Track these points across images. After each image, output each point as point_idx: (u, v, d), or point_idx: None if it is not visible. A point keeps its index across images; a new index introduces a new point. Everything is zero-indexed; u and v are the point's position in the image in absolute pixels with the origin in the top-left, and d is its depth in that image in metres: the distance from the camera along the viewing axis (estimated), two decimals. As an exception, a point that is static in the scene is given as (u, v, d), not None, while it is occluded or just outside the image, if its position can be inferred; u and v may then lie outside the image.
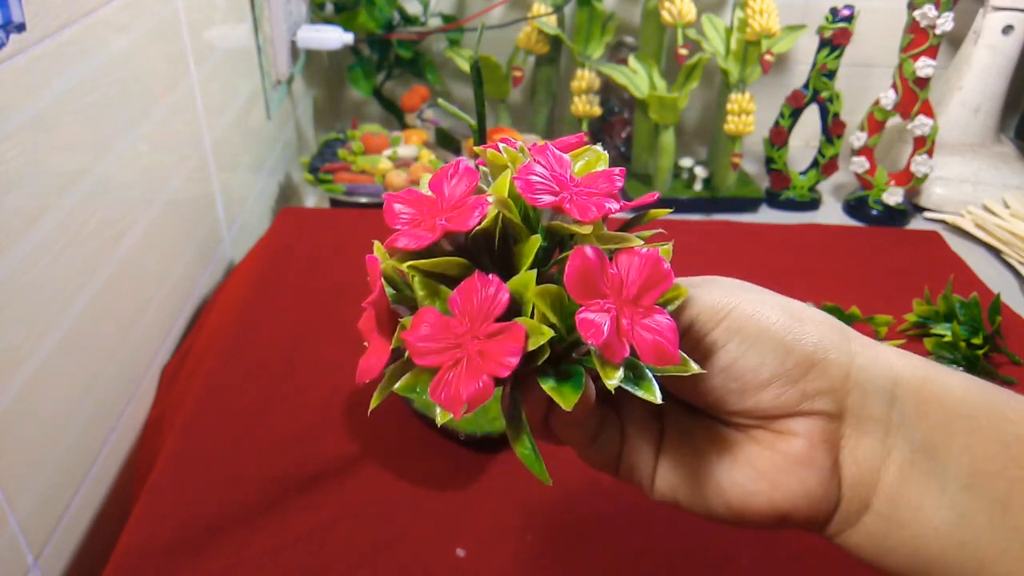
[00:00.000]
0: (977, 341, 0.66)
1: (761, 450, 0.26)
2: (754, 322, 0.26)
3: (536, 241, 0.25)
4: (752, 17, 1.05)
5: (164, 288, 0.71)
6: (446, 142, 1.17)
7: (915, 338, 0.70)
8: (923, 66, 1.03)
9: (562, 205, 0.24)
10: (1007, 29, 1.12)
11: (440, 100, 0.49)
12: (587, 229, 0.25)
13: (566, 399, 0.24)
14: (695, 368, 0.25)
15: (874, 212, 1.12)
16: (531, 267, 0.25)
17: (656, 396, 0.24)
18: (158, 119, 0.68)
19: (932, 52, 1.02)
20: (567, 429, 0.27)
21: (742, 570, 0.50)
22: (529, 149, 0.27)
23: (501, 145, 0.28)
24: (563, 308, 0.25)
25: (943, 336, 0.67)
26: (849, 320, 0.66)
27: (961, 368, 0.65)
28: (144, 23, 0.65)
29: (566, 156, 0.27)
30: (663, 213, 0.29)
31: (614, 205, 0.25)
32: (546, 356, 0.24)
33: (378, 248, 0.27)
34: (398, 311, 0.26)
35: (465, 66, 1.17)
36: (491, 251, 0.26)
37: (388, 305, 0.26)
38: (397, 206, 0.26)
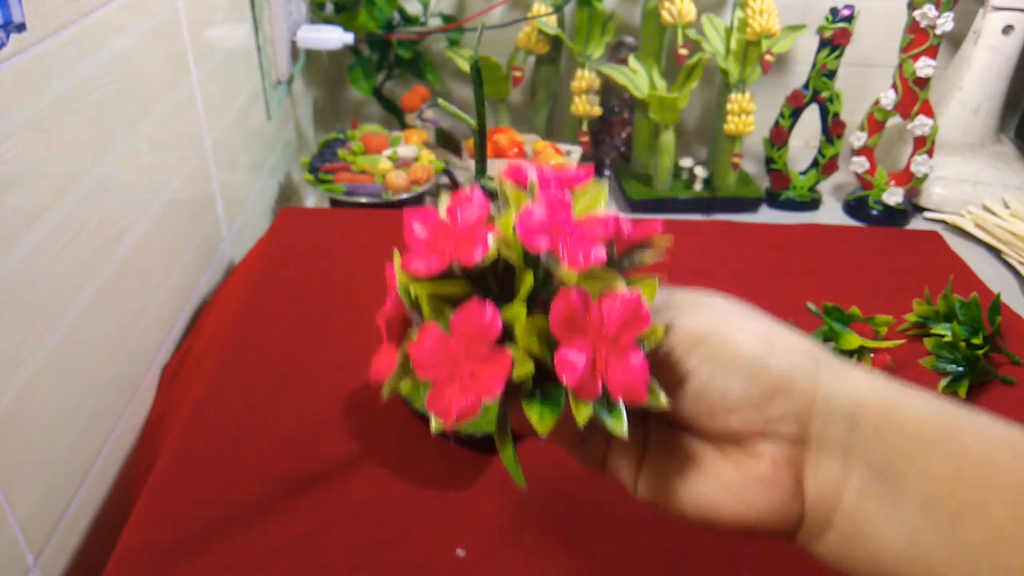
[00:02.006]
0: (977, 341, 0.66)
1: (730, 467, 0.28)
2: (726, 349, 0.28)
3: (529, 278, 0.28)
4: (752, 17, 1.05)
5: (164, 288, 0.71)
6: (446, 142, 1.17)
7: (915, 338, 0.70)
8: (923, 66, 1.03)
9: (556, 251, 0.27)
10: (1007, 29, 1.12)
11: (440, 100, 0.49)
12: (574, 277, 0.27)
13: (543, 424, 0.27)
14: (663, 403, 0.27)
15: (874, 212, 1.12)
16: (526, 298, 0.27)
17: (622, 430, 0.27)
18: (158, 119, 0.68)
19: (932, 52, 1.02)
20: (555, 434, 0.29)
21: (743, 570, 0.50)
22: (537, 181, 0.30)
23: (507, 184, 0.30)
24: (549, 340, 0.27)
25: (943, 336, 0.67)
26: (849, 320, 0.66)
27: (961, 369, 0.65)
28: (144, 23, 0.65)
29: (568, 196, 0.29)
30: (665, 242, 0.31)
31: (602, 254, 0.27)
32: (530, 385, 0.27)
33: (396, 258, 0.29)
34: (411, 317, 0.29)
35: (465, 66, 1.17)
36: (495, 276, 0.28)
37: (402, 313, 0.29)
38: (416, 226, 0.29)
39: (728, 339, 0.28)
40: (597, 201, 0.30)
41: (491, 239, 0.27)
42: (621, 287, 0.27)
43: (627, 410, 0.27)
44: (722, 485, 0.28)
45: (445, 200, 0.29)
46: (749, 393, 0.27)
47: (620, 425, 0.27)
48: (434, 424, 0.28)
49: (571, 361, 0.26)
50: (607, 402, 0.27)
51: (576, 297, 0.26)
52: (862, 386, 0.28)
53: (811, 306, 0.68)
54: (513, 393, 0.28)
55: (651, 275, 0.29)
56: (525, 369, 0.27)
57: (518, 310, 0.27)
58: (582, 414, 0.26)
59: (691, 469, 0.29)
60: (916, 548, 0.25)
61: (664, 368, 0.28)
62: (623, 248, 0.30)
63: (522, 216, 0.27)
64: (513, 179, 0.31)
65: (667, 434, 0.30)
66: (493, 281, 0.29)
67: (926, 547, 0.25)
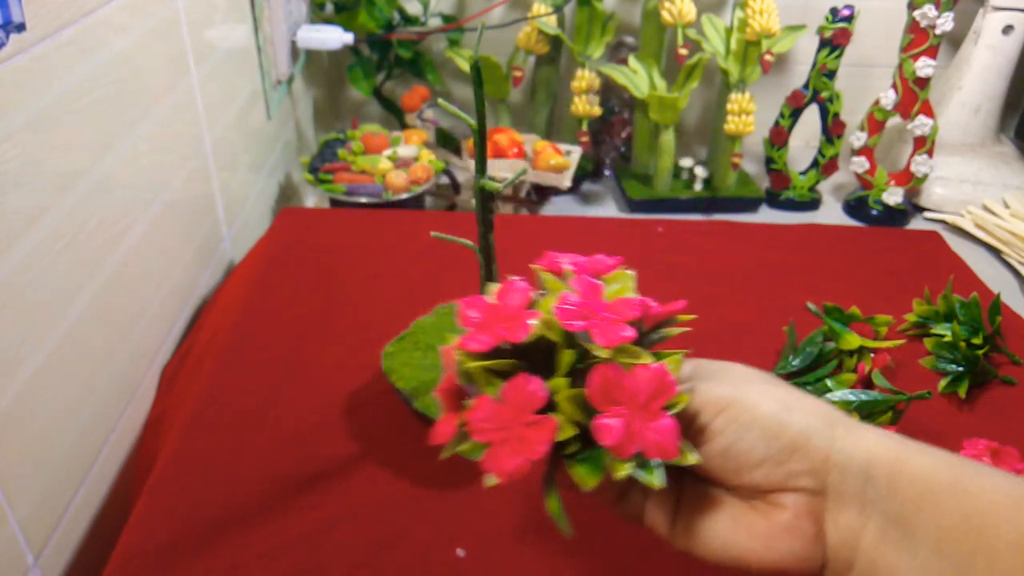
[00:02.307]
0: (977, 341, 0.66)
1: (757, 517, 0.32)
2: (749, 412, 0.31)
3: (570, 356, 0.32)
4: (752, 17, 1.05)
5: (164, 288, 0.71)
6: (446, 142, 1.17)
7: (915, 338, 0.70)
8: (923, 66, 1.03)
9: (590, 331, 0.31)
10: (1007, 29, 1.12)
11: (440, 100, 0.49)
12: (607, 353, 0.31)
13: (585, 482, 0.31)
14: (692, 459, 0.31)
15: (874, 212, 1.12)
16: (567, 373, 0.32)
17: (655, 483, 0.31)
18: (158, 119, 0.68)
19: (932, 52, 1.03)
20: (597, 492, 0.33)
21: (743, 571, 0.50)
22: (574, 271, 0.35)
23: (545, 274, 0.36)
24: (588, 408, 0.31)
25: (943, 336, 0.67)
26: (849, 320, 0.66)
27: (961, 369, 0.65)
28: (144, 23, 0.65)
29: (600, 282, 0.34)
30: (688, 318, 0.35)
31: (630, 332, 0.32)
32: (573, 446, 0.32)
33: (452, 340, 0.34)
34: (466, 390, 0.33)
35: (465, 66, 1.17)
36: (539, 352, 0.33)
37: (457, 386, 0.34)
38: (469, 312, 0.34)
39: (750, 403, 0.32)
40: (627, 287, 0.34)
41: (534, 321, 0.32)
42: (649, 360, 0.32)
43: (663, 466, 0.31)
44: (751, 533, 0.32)
45: (495, 287, 0.35)
46: (770, 451, 0.31)
47: (653, 478, 0.31)
48: (488, 480, 0.32)
49: (608, 426, 0.30)
50: (642, 460, 0.31)
51: (609, 371, 0.31)
52: (873, 442, 0.30)
53: (811, 306, 0.68)
54: (558, 452, 0.32)
55: (677, 350, 0.33)
56: (568, 433, 0.31)
57: (560, 382, 0.31)
58: (620, 471, 0.31)
59: (722, 519, 0.32)
60: None
61: (694, 430, 0.32)
62: (651, 324, 0.35)
63: (560, 301, 0.32)
64: (549, 268, 0.36)
65: (699, 489, 0.34)
66: (537, 356, 0.33)
67: None
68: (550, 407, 0.31)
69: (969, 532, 0.27)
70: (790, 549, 0.31)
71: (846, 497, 0.30)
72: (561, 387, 0.31)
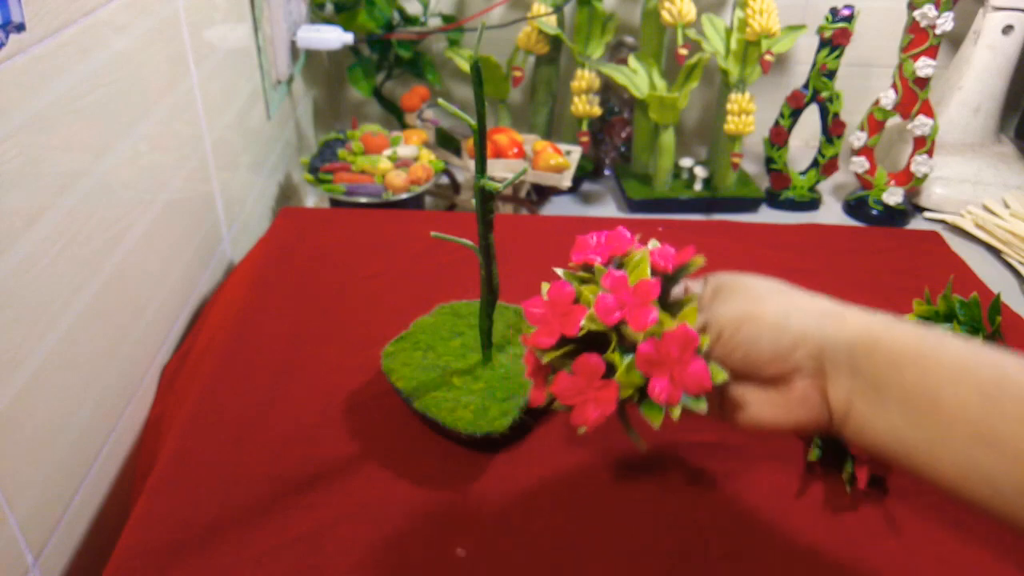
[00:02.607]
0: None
1: (777, 395, 0.42)
2: (758, 324, 0.41)
3: (615, 337, 0.42)
4: (752, 17, 1.05)
5: (164, 288, 0.71)
6: (446, 142, 1.17)
7: (915, 338, 0.70)
8: (923, 66, 1.03)
9: (625, 320, 0.42)
10: (1007, 29, 1.12)
11: (440, 100, 0.49)
12: (640, 335, 0.41)
13: (653, 422, 0.41)
14: (721, 378, 0.41)
15: (874, 212, 1.12)
16: (616, 347, 0.42)
17: (703, 409, 0.41)
18: (158, 119, 0.68)
19: (932, 52, 1.03)
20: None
21: (742, 570, 0.50)
22: (602, 265, 0.45)
23: (573, 276, 0.45)
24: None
25: (943, 336, 0.67)
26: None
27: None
28: (144, 23, 0.65)
29: (624, 272, 0.43)
30: (700, 261, 0.45)
31: (656, 315, 0.41)
32: (636, 396, 0.42)
33: (527, 328, 0.44)
34: (553, 365, 0.44)
35: (465, 66, 1.17)
36: (591, 335, 0.43)
37: (540, 367, 0.44)
38: (532, 310, 0.44)
39: (758, 316, 0.41)
40: (640, 264, 0.43)
41: (583, 322, 0.42)
42: (673, 325, 0.41)
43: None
44: (773, 407, 0.42)
45: (546, 287, 0.44)
46: (777, 351, 0.40)
47: (701, 405, 0.41)
48: (580, 430, 0.42)
49: (658, 388, 0.41)
50: (687, 397, 0.41)
51: (647, 347, 0.41)
52: (857, 326, 0.40)
53: None
54: (626, 401, 0.42)
55: (692, 303, 0.42)
56: (628, 392, 0.42)
57: (615, 356, 0.42)
58: (675, 412, 0.41)
59: (751, 402, 0.43)
60: (897, 435, 0.37)
61: (719, 346, 0.42)
62: (672, 274, 0.44)
63: (597, 302, 0.42)
64: (581, 260, 0.45)
65: (733, 384, 0.43)
66: (591, 338, 0.43)
67: (903, 435, 0.37)
68: (611, 371, 0.42)
69: (924, 393, 0.36)
70: (805, 413, 0.41)
71: (839, 370, 0.39)
72: (615, 359, 0.42)
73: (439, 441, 0.58)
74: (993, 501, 0.34)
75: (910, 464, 0.37)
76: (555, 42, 1.15)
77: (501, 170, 1.04)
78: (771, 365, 0.41)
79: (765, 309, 0.41)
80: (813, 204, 1.17)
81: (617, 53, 1.24)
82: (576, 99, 1.13)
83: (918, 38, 1.02)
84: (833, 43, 1.05)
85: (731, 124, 1.10)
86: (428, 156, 1.05)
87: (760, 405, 0.43)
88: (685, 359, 0.41)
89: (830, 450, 0.58)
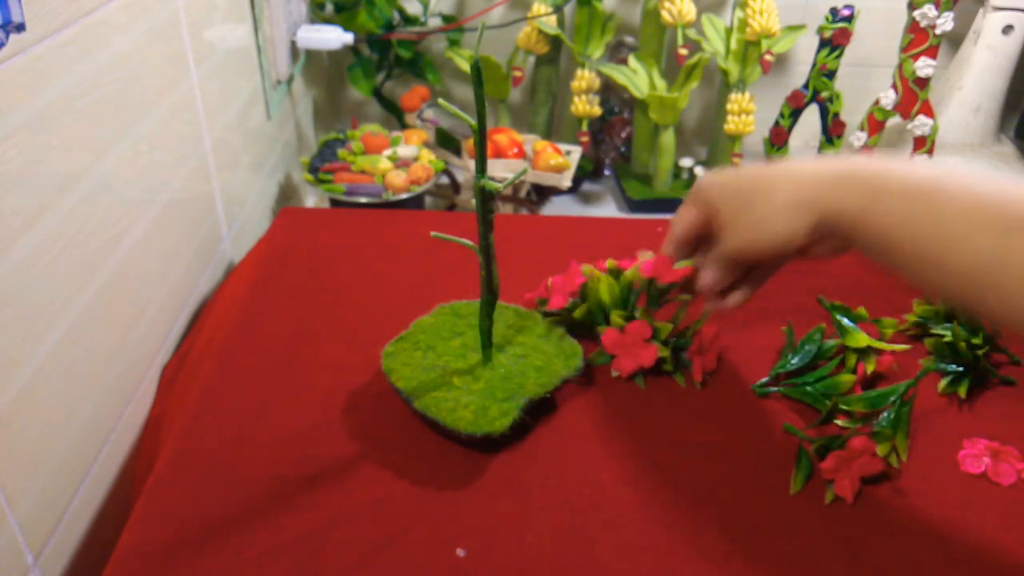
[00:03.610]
0: (977, 341, 0.66)
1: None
2: (770, 227, 0.54)
3: (655, 288, 0.63)
4: (752, 17, 1.05)
5: (164, 288, 0.71)
6: (446, 142, 1.17)
7: (915, 338, 0.70)
8: (923, 66, 1.03)
9: (656, 278, 0.61)
10: (1007, 29, 1.12)
11: (440, 100, 0.49)
12: (664, 285, 0.60)
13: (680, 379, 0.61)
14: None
15: (874, 212, 1.12)
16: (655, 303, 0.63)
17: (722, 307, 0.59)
18: (158, 119, 0.68)
19: (932, 52, 1.03)
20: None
21: (742, 570, 0.50)
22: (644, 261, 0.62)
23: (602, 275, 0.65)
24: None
25: (943, 336, 0.67)
26: (856, 320, 0.66)
27: (961, 369, 0.65)
28: (144, 23, 0.65)
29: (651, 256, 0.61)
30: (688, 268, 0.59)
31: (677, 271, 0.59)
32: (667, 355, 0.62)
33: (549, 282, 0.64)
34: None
35: (465, 66, 1.17)
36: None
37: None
38: (553, 280, 0.64)
39: (767, 221, 0.53)
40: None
41: (579, 290, 0.61)
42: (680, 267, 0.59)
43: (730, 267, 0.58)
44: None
45: (647, 255, 0.60)
46: (793, 229, 0.52)
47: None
48: (613, 373, 0.62)
49: (688, 358, 0.63)
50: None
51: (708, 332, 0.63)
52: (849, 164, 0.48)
53: (823, 300, 0.69)
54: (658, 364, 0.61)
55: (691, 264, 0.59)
56: (664, 352, 0.61)
57: (665, 328, 0.61)
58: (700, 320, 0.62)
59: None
60: (894, 231, 0.44)
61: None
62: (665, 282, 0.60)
63: (643, 267, 0.61)
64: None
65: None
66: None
67: (898, 227, 0.44)
68: (654, 336, 0.61)
69: (902, 199, 0.44)
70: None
71: (847, 194, 0.47)
72: (654, 325, 0.61)
73: (439, 441, 0.58)
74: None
75: (913, 251, 0.43)
76: (555, 42, 1.15)
77: (501, 170, 1.04)
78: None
79: (767, 211, 0.52)
80: (813, 204, 1.16)
81: (617, 53, 1.24)
82: (576, 99, 1.13)
83: (918, 38, 1.03)
84: (833, 43, 1.05)
85: (731, 124, 1.10)
86: (428, 156, 1.05)
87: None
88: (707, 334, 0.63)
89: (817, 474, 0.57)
